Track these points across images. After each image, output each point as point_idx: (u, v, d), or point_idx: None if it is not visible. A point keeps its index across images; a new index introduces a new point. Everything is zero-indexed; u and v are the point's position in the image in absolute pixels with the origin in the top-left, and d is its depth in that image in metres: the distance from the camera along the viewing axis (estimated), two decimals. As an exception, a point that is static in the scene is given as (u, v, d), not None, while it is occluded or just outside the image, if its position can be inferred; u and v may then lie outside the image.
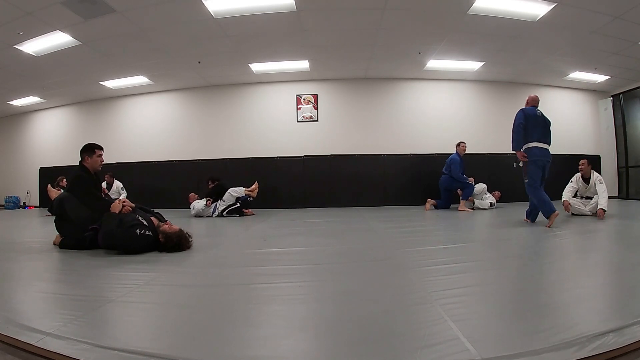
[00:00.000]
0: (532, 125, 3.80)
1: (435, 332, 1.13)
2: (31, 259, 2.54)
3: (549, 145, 3.88)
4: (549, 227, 3.56)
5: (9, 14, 4.45)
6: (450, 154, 6.28)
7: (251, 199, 5.83)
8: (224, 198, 5.65)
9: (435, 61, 6.76)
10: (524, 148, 3.79)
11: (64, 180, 6.68)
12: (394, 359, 0.99)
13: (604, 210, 4.27)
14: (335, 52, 6.33)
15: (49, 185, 3.18)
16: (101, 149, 3.12)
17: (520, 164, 3.87)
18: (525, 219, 4.06)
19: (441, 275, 1.84)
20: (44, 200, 8.30)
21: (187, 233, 2.70)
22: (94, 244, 2.75)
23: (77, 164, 3.08)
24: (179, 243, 2.60)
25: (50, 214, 6.35)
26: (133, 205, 2.96)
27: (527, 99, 4.06)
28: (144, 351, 1.03)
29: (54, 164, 8.45)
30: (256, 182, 5.91)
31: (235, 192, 5.68)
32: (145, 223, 2.68)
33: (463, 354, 0.99)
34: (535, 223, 3.84)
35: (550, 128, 3.93)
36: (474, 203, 6.03)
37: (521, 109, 3.90)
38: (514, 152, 3.87)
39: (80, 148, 3.11)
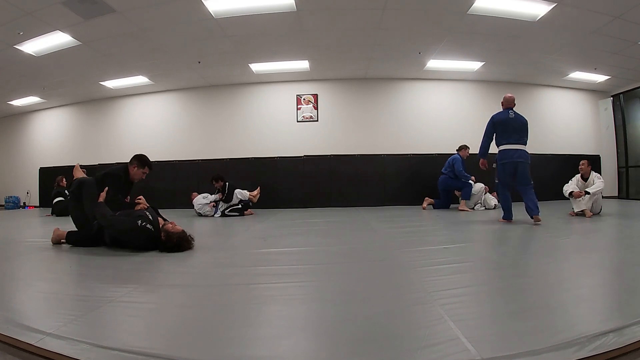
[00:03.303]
0: (501, 129, 4.05)
1: (435, 332, 1.13)
2: (31, 259, 2.54)
3: (525, 144, 4.03)
4: (500, 220, 4.15)
5: (9, 14, 4.45)
6: (451, 154, 6.28)
7: (252, 203, 5.94)
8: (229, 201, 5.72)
9: (435, 61, 6.76)
10: (498, 150, 4.08)
11: (64, 180, 6.67)
12: (394, 359, 0.99)
13: (587, 193, 4.47)
14: (335, 52, 6.33)
15: (78, 164, 3.11)
16: (151, 168, 3.23)
17: (494, 165, 4.15)
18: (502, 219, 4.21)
19: (441, 275, 1.83)
20: (44, 200, 8.31)
21: (189, 235, 2.71)
22: (101, 233, 2.76)
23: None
24: (178, 243, 2.61)
25: (50, 213, 6.37)
26: (147, 205, 3.02)
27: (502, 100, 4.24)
28: (144, 351, 1.03)
29: (54, 164, 8.45)
30: (258, 188, 6.02)
31: (240, 194, 5.75)
32: (150, 217, 2.72)
33: (463, 354, 0.99)
34: (534, 223, 3.82)
35: (527, 126, 4.10)
36: (482, 205, 6.03)
37: (491, 117, 4.17)
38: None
39: (136, 154, 3.20)
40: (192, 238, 2.72)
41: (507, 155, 3.99)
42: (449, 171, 6.10)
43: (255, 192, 5.93)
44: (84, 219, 2.86)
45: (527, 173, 3.97)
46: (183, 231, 2.70)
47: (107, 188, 2.83)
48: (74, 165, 3.40)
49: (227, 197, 5.70)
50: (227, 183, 5.75)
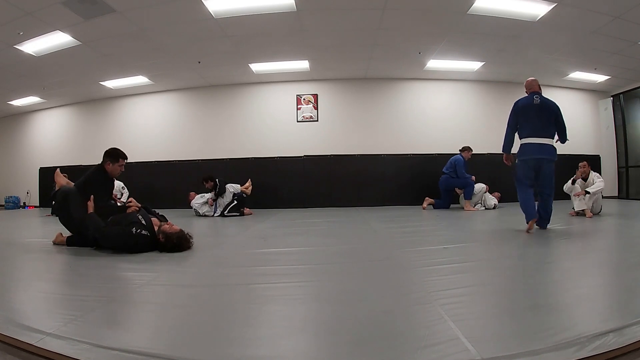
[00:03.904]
0: (524, 118, 3.32)
1: (435, 332, 1.13)
2: (31, 258, 2.54)
3: (552, 137, 3.33)
4: (527, 232, 3.21)
5: (9, 14, 4.44)
6: (451, 154, 6.29)
7: (245, 195, 5.96)
8: (223, 195, 5.75)
9: (435, 61, 6.76)
10: (520, 144, 3.37)
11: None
12: (394, 359, 0.99)
13: (587, 192, 4.46)
14: (335, 52, 6.32)
15: (58, 170, 3.11)
16: (125, 158, 3.12)
17: (516, 161, 3.47)
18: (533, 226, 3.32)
19: (441, 275, 1.83)
20: (44, 200, 8.30)
21: (187, 234, 2.70)
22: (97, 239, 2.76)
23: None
24: (178, 243, 2.60)
25: (50, 213, 6.37)
26: (139, 205, 2.98)
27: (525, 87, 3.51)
28: (144, 351, 1.03)
29: (54, 164, 8.39)
30: (249, 180, 6.11)
31: (232, 187, 5.81)
32: (143, 222, 2.69)
33: (463, 354, 0.98)
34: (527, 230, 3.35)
35: (558, 114, 3.36)
36: (482, 205, 6.05)
37: (514, 103, 3.43)
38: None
39: (106, 150, 3.11)
40: (191, 236, 2.71)
41: (528, 150, 3.28)
42: (451, 171, 6.10)
43: (247, 184, 6.03)
44: (75, 225, 2.86)
45: (552, 175, 3.34)
46: (181, 230, 2.69)
47: (92, 196, 2.80)
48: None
49: (220, 191, 5.75)
50: (217, 180, 5.83)
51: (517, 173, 3.41)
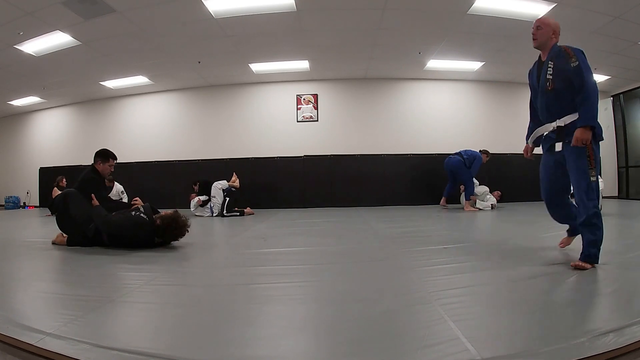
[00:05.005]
0: None
1: (435, 332, 1.13)
2: (31, 258, 2.54)
3: None
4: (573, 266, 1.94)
5: (9, 14, 4.44)
6: (450, 154, 6.26)
7: (234, 189, 5.96)
8: (213, 194, 5.74)
9: (435, 61, 6.76)
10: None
11: (64, 180, 6.67)
12: (394, 359, 0.99)
13: None
14: (335, 52, 6.32)
15: (55, 188, 3.27)
16: (115, 159, 3.29)
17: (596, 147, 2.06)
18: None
19: (441, 275, 1.84)
20: (44, 200, 8.29)
21: (183, 216, 2.77)
22: (99, 235, 2.80)
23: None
24: (175, 219, 2.69)
25: (50, 213, 6.37)
26: (143, 204, 3.08)
27: (549, 25, 2.22)
28: (144, 351, 1.03)
29: (54, 164, 8.43)
30: (234, 173, 6.18)
31: (219, 184, 5.81)
32: (142, 209, 2.81)
33: (463, 354, 0.99)
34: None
35: None
36: (475, 203, 6.03)
37: (579, 50, 2.09)
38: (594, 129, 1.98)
39: (97, 151, 3.26)
40: (187, 218, 2.78)
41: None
42: (466, 158, 5.93)
43: (233, 178, 6.07)
44: (74, 224, 2.90)
45: None
46: (176, 211, 2.78)
47: (93, 195, 2.88)
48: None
49: (205, 192, 5.78)
50: (200, 181, 5.93)
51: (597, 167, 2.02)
